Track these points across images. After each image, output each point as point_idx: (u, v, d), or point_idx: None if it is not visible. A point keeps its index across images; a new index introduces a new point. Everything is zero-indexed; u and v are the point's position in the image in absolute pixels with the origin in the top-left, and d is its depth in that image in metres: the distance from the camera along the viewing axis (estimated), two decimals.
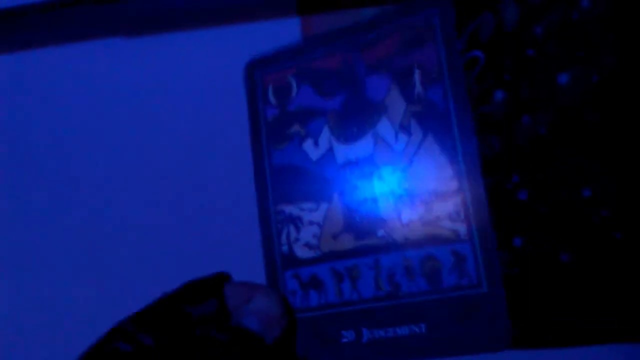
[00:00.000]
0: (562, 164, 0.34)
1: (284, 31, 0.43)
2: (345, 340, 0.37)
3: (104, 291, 0.44)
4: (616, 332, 0.33)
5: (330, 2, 0.44)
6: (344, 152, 0.39)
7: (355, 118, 0.39)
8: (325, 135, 0.39)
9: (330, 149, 0.39)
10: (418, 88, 0.37)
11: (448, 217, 0.36)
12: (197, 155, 0.44)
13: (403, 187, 0.37)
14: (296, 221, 0.39)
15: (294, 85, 0.41)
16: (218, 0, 0.43)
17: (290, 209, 0.40)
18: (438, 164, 0.36)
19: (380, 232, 0.37)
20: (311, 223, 0.39)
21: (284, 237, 0.40)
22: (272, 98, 0.41)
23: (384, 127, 0.38)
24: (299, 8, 0.46)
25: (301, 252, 0.39)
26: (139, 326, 0.39)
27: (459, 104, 0.36)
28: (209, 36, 0.45)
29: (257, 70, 0.42)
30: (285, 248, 0.40)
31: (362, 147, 0.38)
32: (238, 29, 0.45)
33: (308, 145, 0.40)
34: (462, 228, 0.35)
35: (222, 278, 0.40)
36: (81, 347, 0.33)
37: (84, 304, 0.44)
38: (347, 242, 0.38)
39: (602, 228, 0.34)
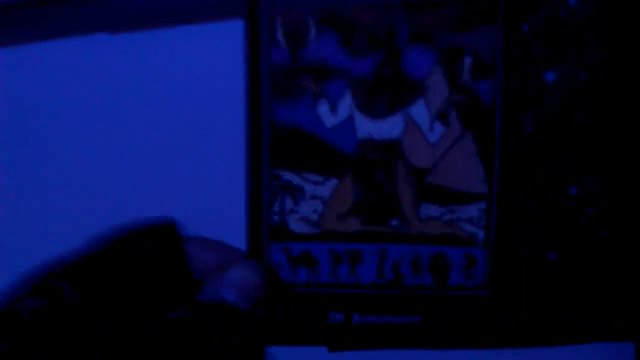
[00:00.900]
0: (550, 162, 0.35)
1: None
2: (332, 321, 0.36)
3: None
4: (602, 331, 0.37)
5: None
6: (366, 126, 0.34)
7: (387, 91, 0.34)
8: (346, 102, 0.34)
9: (350, 119, 0.34)
10: (466, 76, 0.33)
11: (470, 220, 0.35)
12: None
13: (428, 180, 0.34)
14: (296, 191, 0.35)
15: (314, 29, 0.33)
16: None
17: (290, 176, 0.35)
18: (471, 165, 0.34)
19: (394, 222, 0.35)
20: (314, 197, 0.35)
21: (276, 206, 0.35)
22: (281, 38, 0.34)
23: (419, 110, 0.34)
24: None
25: (295, 225, 0.35)
26: (65, 278, 0.32)
27: (507, 103, 0.34)
28: None
29: None
30: (276, 218, 0.35)
31: (390, 126, 0.34)
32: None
33: (322, 107, 0.34)
34: (481, 234, 0.35)
35: (171, 227, 0.34)
36: None
37: None
38: (353, 224, 0.35)
39: (589, 227, 0.36)
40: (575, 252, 0.35)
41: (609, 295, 0.35)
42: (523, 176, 0.34)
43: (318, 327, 0.36)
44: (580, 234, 0.35)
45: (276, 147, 0.34)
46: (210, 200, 0.37)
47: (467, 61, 0.33)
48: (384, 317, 0.36)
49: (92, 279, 0.32)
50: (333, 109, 0.34)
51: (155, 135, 0.38)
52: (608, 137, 0.34)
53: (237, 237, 0.35)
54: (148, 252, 0.33)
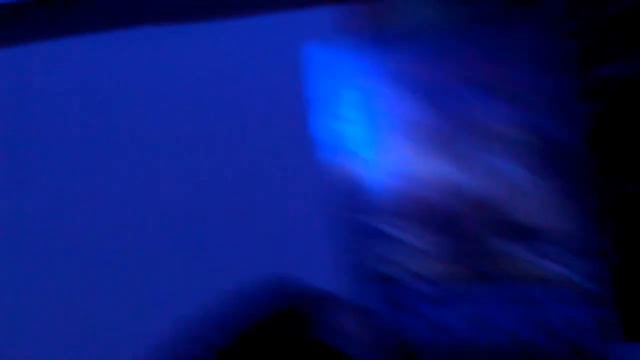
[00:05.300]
0: None
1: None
2: None
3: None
4: None
5: None
6: (452, 177, 0.36)
7: (460, 138, 0.36)
8: (419, 151, 0.37)
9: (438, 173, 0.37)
10: (535, 117, 0.34)
11: (560, 260, 0.35)
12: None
13: (514, 221, 0.35)
14: (393, 240, 0.38)
15: (383, 85, 0.37)
16: None
17: (382, 224, 0.38)
18: (555, 203, 0.34)
19: (484, 266, 0.36)
20: (409, 245, 0.38)
21: (373, 251, 0.38)
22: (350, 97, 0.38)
23: (495, 154, 0.35)
24: None
25: (393, 271, 0.38)
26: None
27: (580, 142, 0.33)
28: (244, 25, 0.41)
29: (329, 62, 0.38)
30: (377, 265, 0.39)
31: (473, 175, 0.36)
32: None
33: (400, 159, 0.37)
34: (564, 271, 0.34)
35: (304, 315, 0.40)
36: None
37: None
38: (449, 269, 0.37)
39: None
40: None
41: None
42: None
43: None
44: None
45: (366, 198, 0.38)
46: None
47: (534, 103, 0.34)
48: None
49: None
50: (409, 159, 0.37)
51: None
52: None
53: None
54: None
